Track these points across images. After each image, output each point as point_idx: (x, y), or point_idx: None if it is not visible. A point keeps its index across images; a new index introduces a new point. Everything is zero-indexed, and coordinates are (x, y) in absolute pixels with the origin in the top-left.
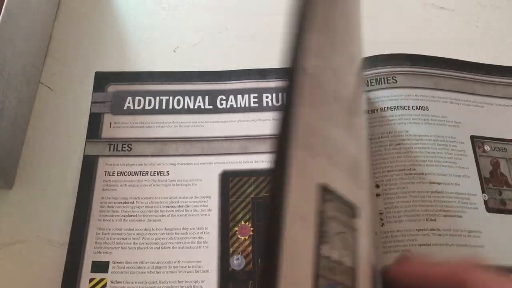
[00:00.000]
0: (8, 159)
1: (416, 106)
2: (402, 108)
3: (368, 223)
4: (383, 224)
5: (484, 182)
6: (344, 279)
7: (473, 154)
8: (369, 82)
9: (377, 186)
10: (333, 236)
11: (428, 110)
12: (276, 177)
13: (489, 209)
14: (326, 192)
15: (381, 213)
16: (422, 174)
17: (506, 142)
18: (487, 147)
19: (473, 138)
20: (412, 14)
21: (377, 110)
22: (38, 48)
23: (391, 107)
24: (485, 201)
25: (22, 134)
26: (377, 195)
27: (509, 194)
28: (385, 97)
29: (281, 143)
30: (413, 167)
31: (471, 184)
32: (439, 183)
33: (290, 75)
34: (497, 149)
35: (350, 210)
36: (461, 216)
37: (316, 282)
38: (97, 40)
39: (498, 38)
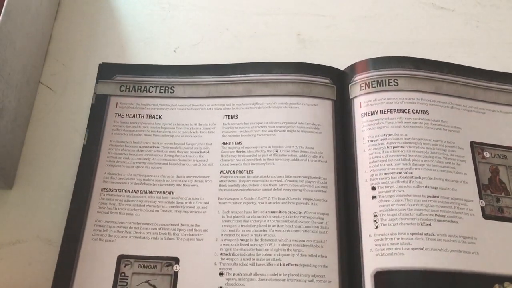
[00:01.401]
0: (8, 159)
1: (416, 110)
2: (402, 111)
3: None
4: (377, 226)
5: (482, 189)
6: None
7: (472, 160)
8: (370, 84)
9: (373, 188)
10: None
11: (428, 114)
12: None
13: (485, 216)
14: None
15: (375, 216)
16: (419, 178)
17: (507, 150)
18: (486, 154)
19: (473, 144)
20: (412, 14)
21: (377, 112)
22: (38, 48)
23: (391, 109)
24: (482, 208)
25: (22, 134)
26: (373, 197)
27: (507, 201)
28: (385, 99)
29: None
30: (410, 170)
31: (469, 190)
32: (435, 188)
33: None
34: (497, 156)
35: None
36: (456, 222)
37: None
38: (97, 40)
39: (498, 38)
